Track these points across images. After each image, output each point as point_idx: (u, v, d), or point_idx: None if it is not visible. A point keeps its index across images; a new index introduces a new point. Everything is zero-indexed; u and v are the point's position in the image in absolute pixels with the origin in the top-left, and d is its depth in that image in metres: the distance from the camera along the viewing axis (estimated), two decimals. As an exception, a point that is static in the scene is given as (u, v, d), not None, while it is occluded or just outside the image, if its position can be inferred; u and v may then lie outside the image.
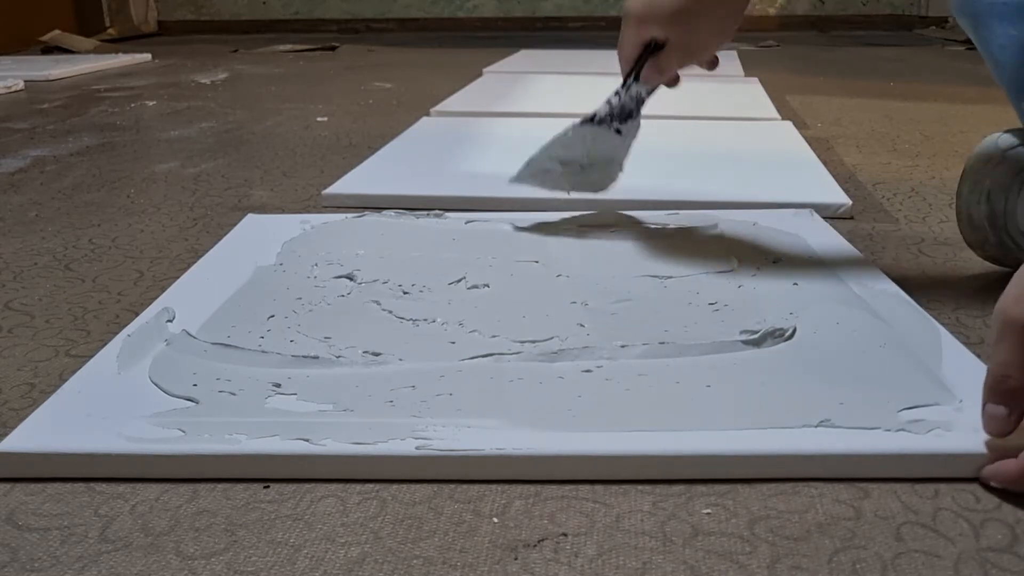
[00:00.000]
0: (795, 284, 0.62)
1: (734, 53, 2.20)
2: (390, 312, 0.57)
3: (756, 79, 1.69)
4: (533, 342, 0.53)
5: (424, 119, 1.33)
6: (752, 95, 1.53)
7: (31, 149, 1.23)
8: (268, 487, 0.42)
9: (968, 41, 0.69)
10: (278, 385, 0.48)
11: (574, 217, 0.77)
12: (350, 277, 0.63)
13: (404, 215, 0.77)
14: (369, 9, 3.39)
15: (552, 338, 0.53)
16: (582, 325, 0.55)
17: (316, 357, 0.51)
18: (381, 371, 0.50)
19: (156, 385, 0.48)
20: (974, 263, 0.71)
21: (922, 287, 0.65)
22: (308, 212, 0.86)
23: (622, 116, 0.71)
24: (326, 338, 0.53)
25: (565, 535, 0.38)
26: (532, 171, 0.73)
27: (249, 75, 2.06)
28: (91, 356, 0.53)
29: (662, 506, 0.40)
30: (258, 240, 0.71)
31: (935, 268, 0.71)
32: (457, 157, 1.07)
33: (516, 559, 0.37)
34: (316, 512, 0.40)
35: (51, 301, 0.66)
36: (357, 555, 0.37)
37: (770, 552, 0.37)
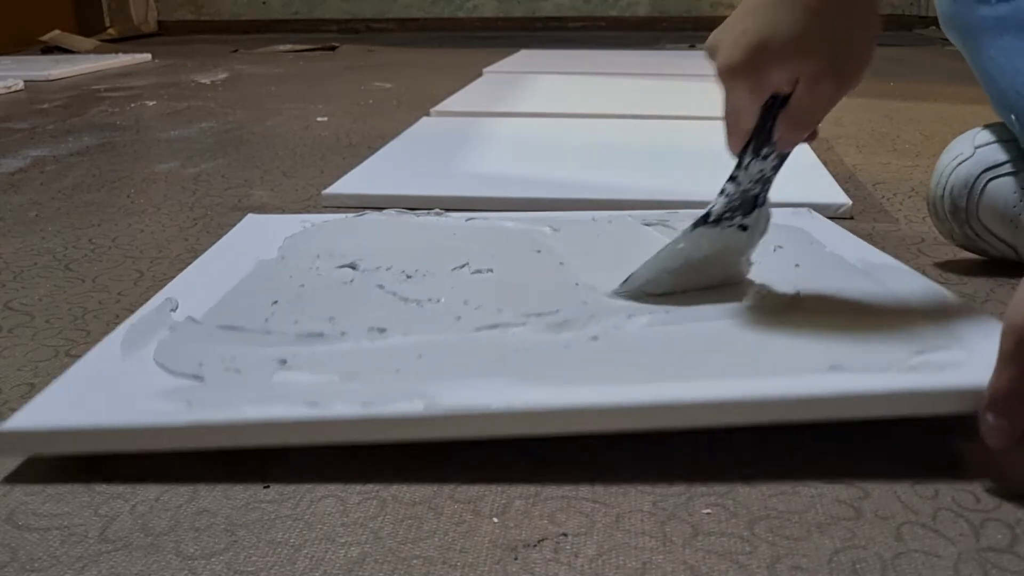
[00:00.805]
0: (797, 265, 0.61)
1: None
2: (394, 294, 0.57)
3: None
4: (539, 315, 0.53)
5: (424, 119, 1.33)
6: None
7: (31, 149, 1.23)
8: (268, 487, 0.42)
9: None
10: (284, 361, 0.48)
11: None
12: (352, 266, 0.63)
13: (405, 214, 0.77)
14: (369, 9, 3.40)
15: (558, 310, 0.53)
16: (586, 303, 0.55)
17: (321, 334, 0.51)
18: (387, 344, 0.50)
19: (161, 366, 0.48)
20: (974, 263, 0.71)
21: (922, 287, 0.65)
22: (308, 212, 0.86)
23: (745, 207, 0.53)
24: (330, 318, 0.53)
25: (565, 535, 0.38)
26: (638, 284, 0.56)
27: (249, 75, 2.06)
28: (91, 356, 0.53)
29: (662, 506, 0.40)
30: (259, 238, 0.71)
31: (935, 268, 0.71)
32: (457, 157, 1.07)
33: (516, 559, 0.37)
34: (316, 512, 0.40)
35: (51, 301, 0.66)
36: (357, 555, 0.37)
37: (770, 552, 0.37)
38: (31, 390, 0.52)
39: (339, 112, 1.51)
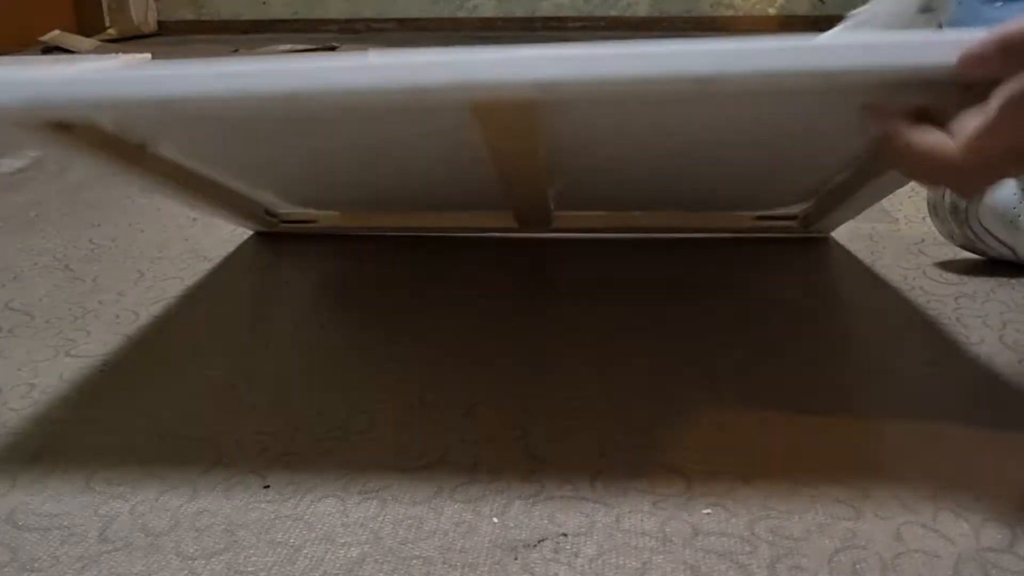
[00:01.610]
0: None
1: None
2: None
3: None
4: None
5: (424, 119, 1.32)
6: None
7: (31, 149, 1.23)
8: (268, 487, 0.42)
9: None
10: None
11: None
12: None
13: None
14: (369, 9, 3.40)
15: None
16: None
17: None
18: None
19: None
20: (974, 263, 0.71)
21: (922, 287, 0.65)
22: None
23: None
24: None
25: (565, 535, 0.38)
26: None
27: (249, 75, 2.06)
28: (91, 356, 0.53)
29: (662, 506, 0.40)
30: None
31: (935, 268, 0.70)
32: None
33: (516, 559, 0.37)
34: (316, 512, 0.40)
35: (51, 301, 0.66)
36: (357, 555, 0.37)
37: (770, 552, 0.37)
38: (31, 390, 0.52)
39: (339, 112, 1.51)
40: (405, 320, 0.61)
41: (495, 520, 0.39)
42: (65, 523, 0.39)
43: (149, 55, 2.41)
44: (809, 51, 0.36)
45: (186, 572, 0.36)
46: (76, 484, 0.42)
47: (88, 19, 3.08)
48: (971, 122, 0.35)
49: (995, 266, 0.69)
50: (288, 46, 2.71)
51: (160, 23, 3.38)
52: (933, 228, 0.73)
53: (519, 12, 3.38)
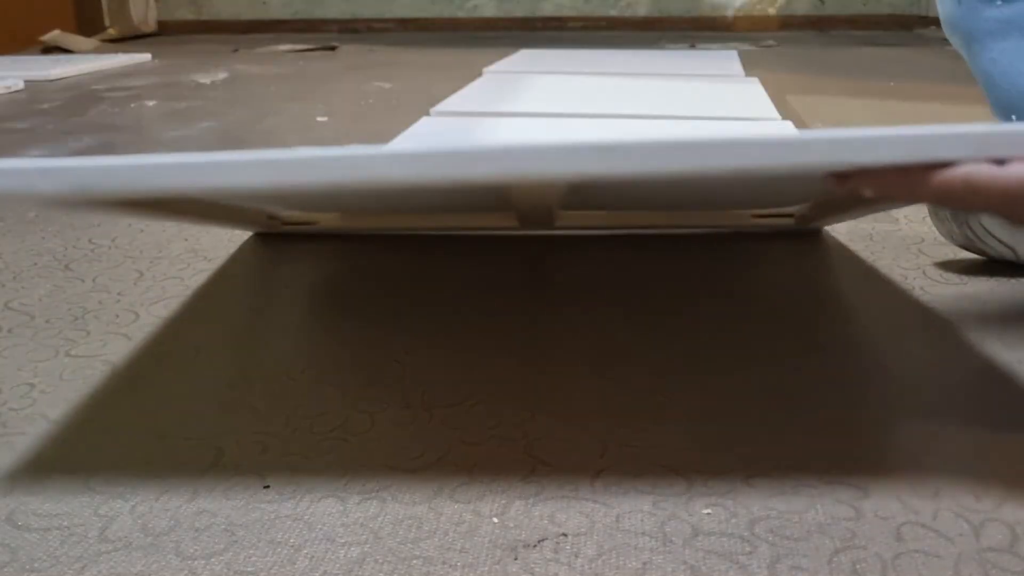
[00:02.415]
0: None
1: (734, 53, 2.20)
2: None
3: (756, 79, 1.69)
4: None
5: (424, 119, 1.33)
6: (752, 95, 1.53)
7: (31, 149, 1.23)
8: (268, 487, 0.42)
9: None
10: None
11: None
12: None
13: None
14: (369, 9, 3.39)
15: None
16: None
17: None
18: None
19: None
20: (974, 263, 0.71)
21: (922, 287, 0.65)
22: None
23: None
24: None
25: (565, 535, 0.38)
26: None
27: (249, 75, 2.06)
28: (91, 356, 0.53)
29: (662, 506, 0.40)
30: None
31: (935, 268, 0.70)
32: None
33: (516, 559, 0.37)
34: (316, 512, 0.40)
35: (51, 301, 0.66)
36: (357, 555, 0.37)
37: (770, 552, 0.37)
38: (31, 390, 0.52)
39: (339, 112, 1.51)
40: (405, 320, 0.61)
41: (495, 520, 0.39)
42: (65, 523, 0.39)
43: (149, 55, 2.42)
44: (801, 146, 0.36)
45: (186, 572, 0.36)
46: (76, 484, 0.42)
47: (88, 19, 3.08)
48: None
49: (995, 266, 0.69)
50: (288, 46, 2.71)
51: (160, 23, 3.38)
52: (933, 228, 0.73)
53: (519, 12, 3.38)
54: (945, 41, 0.70)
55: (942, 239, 0.73)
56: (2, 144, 1.27)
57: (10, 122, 1.45)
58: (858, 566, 0.36)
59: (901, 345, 0.57)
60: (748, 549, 0.37)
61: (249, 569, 0.36)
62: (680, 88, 1.59)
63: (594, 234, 0.78)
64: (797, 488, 0.41)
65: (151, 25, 3.32)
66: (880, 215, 0.85)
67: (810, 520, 0.39)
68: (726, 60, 2.07)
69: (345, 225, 0.79)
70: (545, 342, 0.58)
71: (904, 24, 3.13)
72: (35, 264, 0.75)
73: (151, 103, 1.64)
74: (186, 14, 3.44)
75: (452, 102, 1.48)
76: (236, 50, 2.63)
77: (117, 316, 0.63)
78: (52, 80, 1.97)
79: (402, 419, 0.48)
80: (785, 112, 1.38)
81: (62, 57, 2.43)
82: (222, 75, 2.04)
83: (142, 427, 0.48)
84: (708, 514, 0.39)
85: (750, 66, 1.93)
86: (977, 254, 0.70)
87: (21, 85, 1.84)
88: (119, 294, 0.67)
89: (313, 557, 0.37)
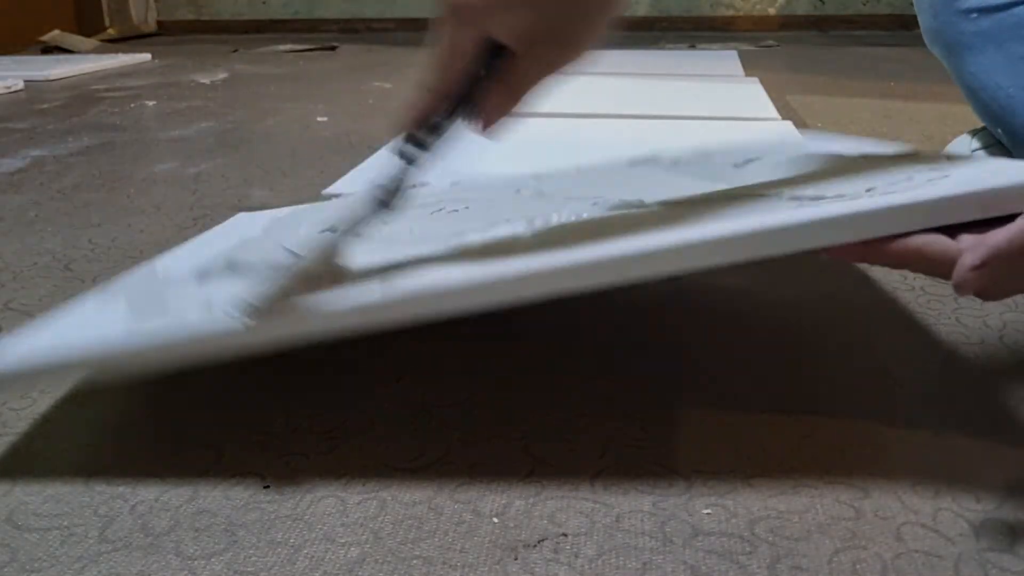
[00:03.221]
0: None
1: (734, 53, 2.20)
2: (370, 238, 0.57)
3: (756, 79, 1.69)
4: (507, 220, 0.51)
5: (424, 119, 1.33)
6: (752, 95, 1.54)
7: (31, 149, 1.23)
8: (268, 487, 0.42)
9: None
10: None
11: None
12: (332, 229, 0.62)
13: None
14: (369, 9, 3.39)
15: (530, 215, 0.51)
16: (549, 204, 0.53)
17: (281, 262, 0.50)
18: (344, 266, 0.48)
19: (129, 304, 0.48)
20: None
21: (922, 287, 0.65)
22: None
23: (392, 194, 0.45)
24: (295, 255, 0.52)
25: (565, 535, 0.38)
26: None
27: (249, 75, 2.06)
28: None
29: (662, 506, 0.40)
30: (246, 228, 0.70)
31: (935, 268, 0.70)
32: (456, 157, 1.06)
33: (516, 559, 0.37)
34: (316, 512, 0.40)
35: (51, 301, 0.66)
36: (357, 555, 0.37)
37: (770, 552, 0.37)
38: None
39: (339, 112, 1.51)
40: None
41: (495, 520, 0.39)
42: (65, 523, 0.39)
43: (149, 55, 2.42)
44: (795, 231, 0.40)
45: (186, 572, 0.36)
46: (76, 484, 0.42)
47: (88, 19, 3.08)
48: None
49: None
50: (288, 46, 2.71)
51: (160, 23, 3.38)
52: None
53: (519, 12, 3.37)
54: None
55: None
56: (2, 144, 1.27)
57: (10, 122, 1.45)
58: (858, 566, 0.36)
59: (901, 345, 0.57)
60: (748, 549, 0.37)
61: (249, 569, 0.36)
62: (679, 88, 1.59)
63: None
64: (797, 488, 0.41)
65: (151, 25, 3.32)
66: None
67: (810, 520, 0.39)
68: (726, 60, 2.07)
69: None
70: (545, 341, 0.58)
71: (904, 24, 3.13)
72: (35, 264, 0.75)
73: (151, 103, 1.64)
74: (186, 14, 3.44)
75: (452, 102, 1.48)
76: (236, 50, 2.63)
77: (117, 316, 0.63)
78: (52, 80, 1.97)
79: (402, 419, 0.48)
80: (785, 112, 1.38)
81: (62, 57, 2.43)
82: (222, 75, 2.04)
83: (142, 427, 0.48)
84: (708, 514, 0.39)
85: (750, 66, 1.93)
86: None
87: (21, 85, 1.84)
88: (119, 294, 0.67)
89: (313, 557, 0.37)
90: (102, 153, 1.20)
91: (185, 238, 0.80)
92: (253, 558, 0.37)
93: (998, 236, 0.36)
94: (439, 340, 0.58)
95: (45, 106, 1.62)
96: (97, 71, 2.15)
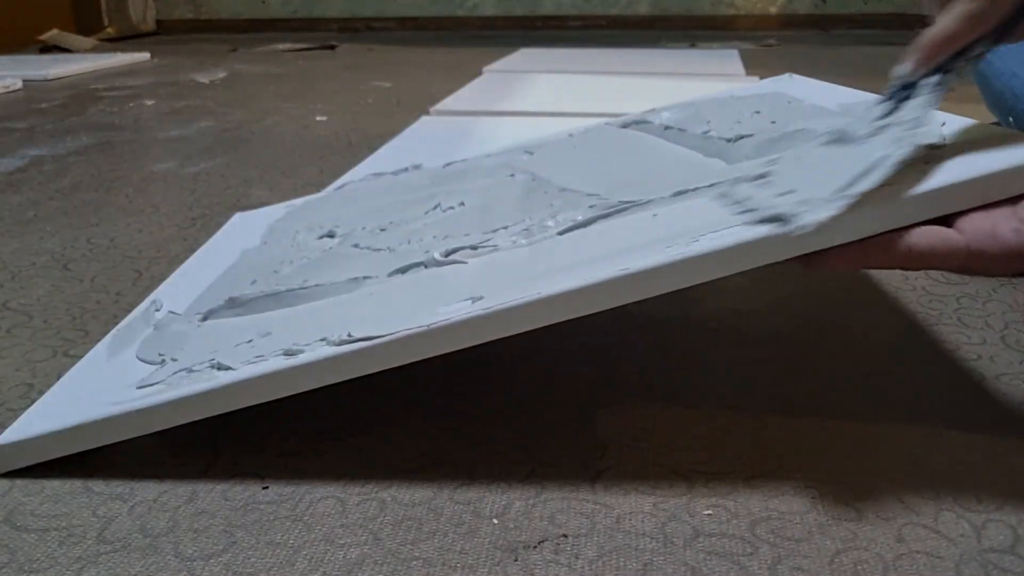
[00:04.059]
0: (773, 122, 0.57)
1: (735, 52, 2.20)
2: (368, 247, 0.56)
3: (757, 78, 1.69)
4: (505, 227, 0.51)
5: (424, 118, 1.33)
6: (752, 94, 1.53)
7: (29, 148, 1.23)
8: (267, 488, 0.42)
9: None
10: (267, 334, 0.47)
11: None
12: (331, 235, 0.62)
13: (383, 175, 0.76)
14: (369, 8, 3.39)
15: (524, 219, 0.52)
16: (552, 204, 0.53)
17: (292, 289, 0.51)
18: (359, 293, 0.49)
19: (143, 361, 0.48)
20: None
21: (923, 287, 0.65)
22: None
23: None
24: (304, 282, 0.53)
25: (565, 536, 0.38)
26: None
27: (248, 74, 2.06)
28: (89, 356, 0.53)
29: (663, 507, 0.40)
30: (247, 232, 0.71)
31: (936, 268, 0.70)
32: (457, 157, 1.06)
33: (516, 560, 0.36)
34: (315, 513, 0.40)
35: (49, 301, 0.66)
36: (356, 556, 0.37)
37: (771, 553, 0.37)
38: (29, 390, 0.52)
39: (338, 112, 1.50)
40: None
41: (495, 521, 0.39)
42: (63, 524, 0.39)
43: (148, 55, 2.41)
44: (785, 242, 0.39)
45: (185, 573, 0.36)
46: (74, 485, 0.42)
47: (87, 18, 3.08)
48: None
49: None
50: (287, 45, 2.71)
51: (159, 22, 3.38)
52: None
53: (519, 11, 3.38)
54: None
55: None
56: (0, 144, 1.27)
57: (8, 122, 1.45)
58: (859, 567, 0.36)
59: (902, 345, 0.57)
60: (749, 550, 0.37)
61: (248, 570, 0.36)
62: (680, 87, 1.59)
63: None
64: (798, 489, 0.41)
65: (150, 24, 3.32)
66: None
67: (811, 521, 0.39)
68: (727, 59, 2.07)
69: None
70: (545, 342, 0.58)
71: (906, 23, 3.13)
72: (33, 264, 0.74)
73: (150, 102, 1.64)
74: (185, 13, 3.43)
75: (451, 101, 1.48)
76: (235, 49, 2.63)
77: (115, 316, 0.62)
78: (50, 79, 1.96)
79: (402, 419, 0.48)
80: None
81: (60, 56, 2.43)
82: (221, 74, 2.04)
83: (141, 427, 0.48)
84: (709, 515, 0.39)
85: (751, 65, 1.93)
86: None
87: (19, 84, 1.84)
88: (117, 294, 0.67)
89: (312, 558, 0.37)
90: (101, 153, 1.20)
91: (184, 238, 0.80)
92: (252, 559, 0.37)
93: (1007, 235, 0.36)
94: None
95: (44, 105, 1.62)
96: (96, 70, 2.15)
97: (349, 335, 0.42)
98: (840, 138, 0.45)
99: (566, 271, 0.43)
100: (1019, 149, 0.40)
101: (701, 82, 1.64)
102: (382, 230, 0.59)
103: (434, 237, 0.54)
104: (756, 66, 1.92)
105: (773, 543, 0.37)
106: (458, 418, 0.48)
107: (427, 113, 1.38)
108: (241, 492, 0.41)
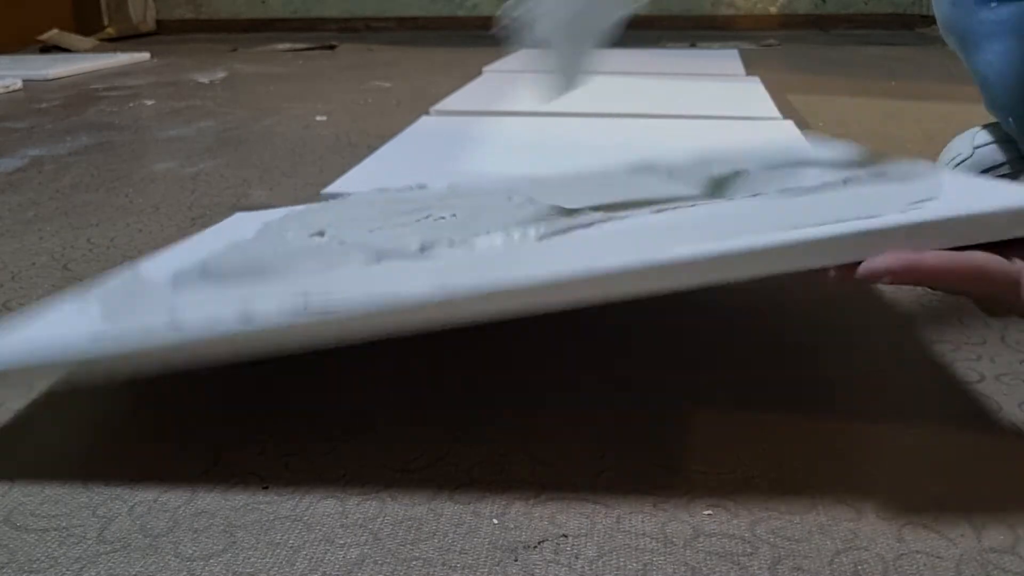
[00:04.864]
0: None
1: (735, 52, 2.20)
2: (353, 243, 0.57)
3: (757, 78, 1.69)
4: (487, 232, 0.52)
5: (424, 118, 1.32)
6: (753, 94, 1.53)
7: (29, 148, 1.23)
8: (267, 488, 0.42)
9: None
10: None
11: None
12: (321, 233, 0.62)
13: (386, 189, 0.76)
14: (368, 8, 3.39)
15: (508, 227, 0.52)
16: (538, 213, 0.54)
17: (263, 271, 0.51)
18: (330, 275, 0.49)
19: (103, 304, 0.48)
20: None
21: (924, 288, 0.65)
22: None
23: None
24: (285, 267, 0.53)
25: (565, 536, 0.38)
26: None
27: (248, 74, 2.06)
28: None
29: (663, 507, 0.40)
30: (241, 230, 0.71)
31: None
32: (457, 156, 1.06)
33: (516, 560, 0.36)
34: (315, 513, 0.40)
35: (49, 301, 0.66)
36: (356, 556, 0.37)
37: (771, 553, 0.37)
38: (29, 390, 0.52)
39: (338, 111, 1.50)
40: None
41: (495, 521, 0.39)
42: (63, 524, 0.39)
43: (148, 54, 2.41)
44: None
45: (185, 573, 0.36)
46: (74, 485, 0.42)
47: (86, 18, 3.08)
48: None
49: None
50: (287, 45, 2.71)
51: (159, 22, 3.38)
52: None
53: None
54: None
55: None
56: (0, 143, 1.27)
57: (8, 121, 1.45)
58: (859, 567, 0.36)
59: (902, 346, 0.57)
60: (749, 550, 0.37)
61: (248, 570, 0.36)
62: (681, 87, 1.58)
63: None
64: (798, 489, 0.41)
65: (150, 24, 3.31)
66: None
67: (811, 521, 0.39)
68: (727, 59, 2.07)
69: None
70: (545, 342, 0.58)
71: (906, 23, 3.13)
72: (33, 264, 0.74)
73: (150, 102, 1.64)
74: (185, 13, 3.43)
75: (452, 101, 1.48)
76: (235, 49, 2.63)
77: (116, 316, 0.62)
78: (50, 79, 1.96)
79: (402, 419, 0.48)
80: (786, 111, 1.38)
81: (60, 56, 2.42)
82: (221, 74, 2.04)
83: (141, 427, 0.48)
84: (709, 515, 0.39)
85: (751, 65, 1.93)
86: None
87: (19, 84, 1.84)
88: (118, 294, 0.67)
89: (312, 558, 0.37)
90: (101, 152, 1.20)
91: (184, 238, 0.80)
92: (252, 559, 0.37)
93: None
94: (439, 340, 0.58)
95: (44, 105, 1.62)
96: (96, 70, 2.15)
97: (305, 294, 0.41)
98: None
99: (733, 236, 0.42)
100: None
101: (702, 82, 1.64)
102: (370, 232, 0.60)
103: (419, 242, 0.54)
104: (756, 66, 1.92)
105: (773, 543, 0.37)
106: (458, 418, 0.48)
107: (427, 113, 1.38)
108: (241, 492, 0.41)
